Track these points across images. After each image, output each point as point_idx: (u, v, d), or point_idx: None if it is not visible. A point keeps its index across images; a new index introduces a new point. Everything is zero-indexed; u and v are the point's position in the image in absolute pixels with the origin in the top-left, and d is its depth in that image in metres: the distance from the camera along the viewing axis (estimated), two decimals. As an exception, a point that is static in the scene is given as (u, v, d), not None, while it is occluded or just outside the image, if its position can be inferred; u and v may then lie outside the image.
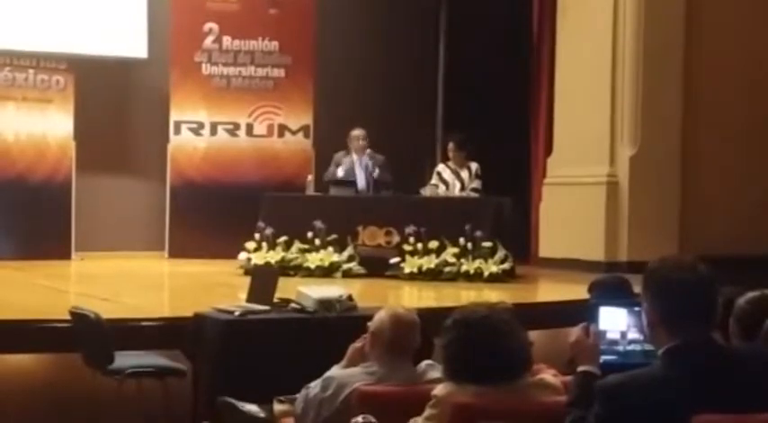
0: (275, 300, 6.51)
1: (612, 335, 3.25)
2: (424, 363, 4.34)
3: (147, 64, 12.28)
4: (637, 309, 3.16)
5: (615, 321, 3.26)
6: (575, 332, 3.27)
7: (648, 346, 3.11)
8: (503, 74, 12.45)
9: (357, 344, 4.45)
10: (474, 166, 10.68)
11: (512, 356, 3.62)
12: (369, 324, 4.42)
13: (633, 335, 3.24)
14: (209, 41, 12.53)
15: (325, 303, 6.34)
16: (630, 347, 3.25)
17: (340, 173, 10.73)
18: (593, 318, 3.25)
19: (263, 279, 6.78)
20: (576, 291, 7.67)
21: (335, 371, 4.39)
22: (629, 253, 10.79)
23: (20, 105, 11.70)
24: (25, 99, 11.74)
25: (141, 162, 12.63)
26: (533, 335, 4.46)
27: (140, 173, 12.62)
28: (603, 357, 3.20)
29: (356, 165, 10.79)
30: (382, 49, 13.17)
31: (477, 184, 10.64)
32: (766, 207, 11.16)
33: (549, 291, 10.14)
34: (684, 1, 11.09)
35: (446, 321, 3.75)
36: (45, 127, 11.80)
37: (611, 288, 5.04)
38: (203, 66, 12.53)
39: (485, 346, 3.58)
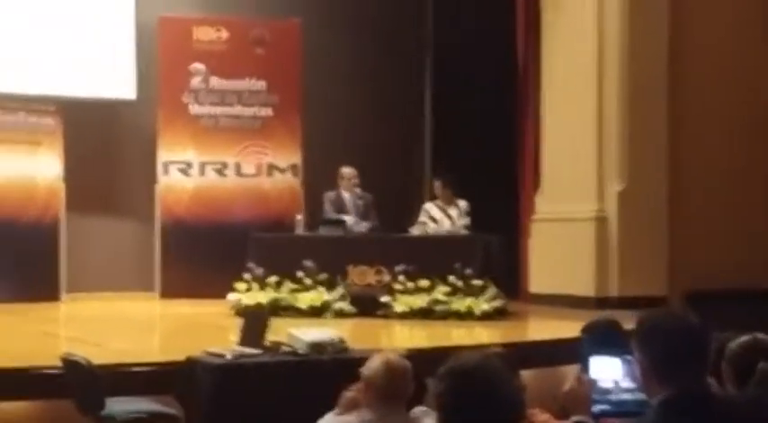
0: (267, 342, 6.51)
1: (605, 384, 3.26)
2: (418, 409, 4.35)
3: (136, 105, 12.32)
4: (629, 358, 3.17)
5: (608, 370, 3.27)
6: (568, 381, 3.28)
7: (641, 395, 3.12)
8: (489, 111, 12.50)
9: (349, 393, 4.45)
10: (463, 203, 10.70)
11: (506, 405, 3.61)
12: (361, 370, 4.43)
13: (626, 384, 3.25)
14: (196, 81, 12.57)
15: (316, 346, 6.35)
16: (624, 396, 3.26)
17: (330, 212, 10.75)
18: (585, 366, 3.26)
19: (254, 322, 6.79)
20: (567, 328, 7.68)
21: (330, 419, 4.39)
22: (620, 288, 10.82)
23: (9, 148, 11.70)
24: (14, 141, 11.75)
25: (130, 203, 12.64)
26: (525, 375, 4.46)
27: (130, 213, 12.63)
28: (597, 406, 3.21)
29: (347, 203, 10.83)
30: (369, 88, 13.22)
31: (466, 221, 10.65)
32: (754, 241, 11.20)
33: (541, 329, 10.14)
34: (668, 36, 11.17)
35: (439, 370, 3.75)
36: (34, 169, 11.82)
37: (601, 331, 5.04)
38: (191, 106, 12.57)
39: (478, 396, 3.57)
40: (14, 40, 11.65)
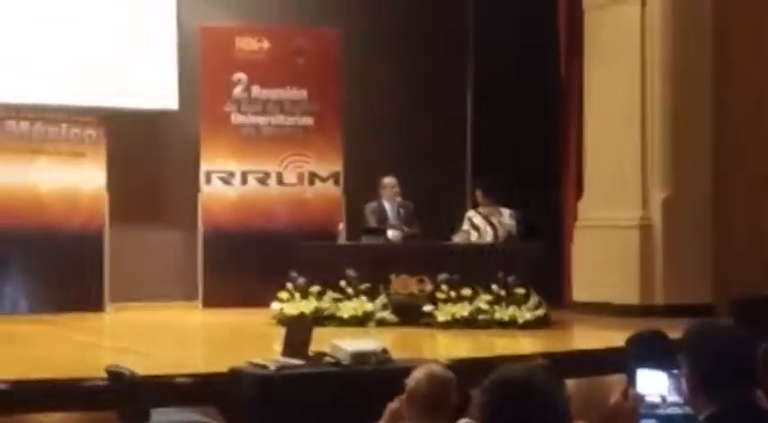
0: (310, 353, 6.50)
1: (652, 398, 3.21)
2: (463, 421, 4.31)
3: (178, 115, 12.37)
4: (676, 371, 3.13)
5: (654, 384, 3.22)
6: (613, 394, 3.23)
7: (689, 410, 3.08)
8: (531, 117, 12.43)
9: (393, 404, 4.42)
10: (507, 211, 10.64)
11: (550, 418, 3.58)
12: (405, 382, 4.40)
13: (673, 398, 3.20)
14: (238, 91, 12.62)
15: (360, 357, 6.33)
16: (671, 411, 3.21)
17: (372, 222, 10.75)
18: (631, 380, 3.21)
19: (297, 332, 6.78)
20: (611, 337, 7.63)
21: (373, 431, 4.37)
22: (665, 296, 10.74)
23: (53, 159, 11.80)
24: (58, 152, 11.84)
25: (173, 212, 12.70)
26: (569, 384, 4.40)
27: (172, 223, 12.68)
28: (644, 421, 3.16)
29: (389, 212, 10.82)
30: (409, 96, 13.22)
31: (513, 224, 10.56)
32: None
33: (585, 338, 10.06)
34: (712, 43, 11.09)
35: (484, 381, 3.72)
36: (78, 180, 11.90)
37: (646, 342, 4.98)
38: (233, 115, 12.61)
39: (523, 408, 3.54)
40: (56, 51, 11.73)
